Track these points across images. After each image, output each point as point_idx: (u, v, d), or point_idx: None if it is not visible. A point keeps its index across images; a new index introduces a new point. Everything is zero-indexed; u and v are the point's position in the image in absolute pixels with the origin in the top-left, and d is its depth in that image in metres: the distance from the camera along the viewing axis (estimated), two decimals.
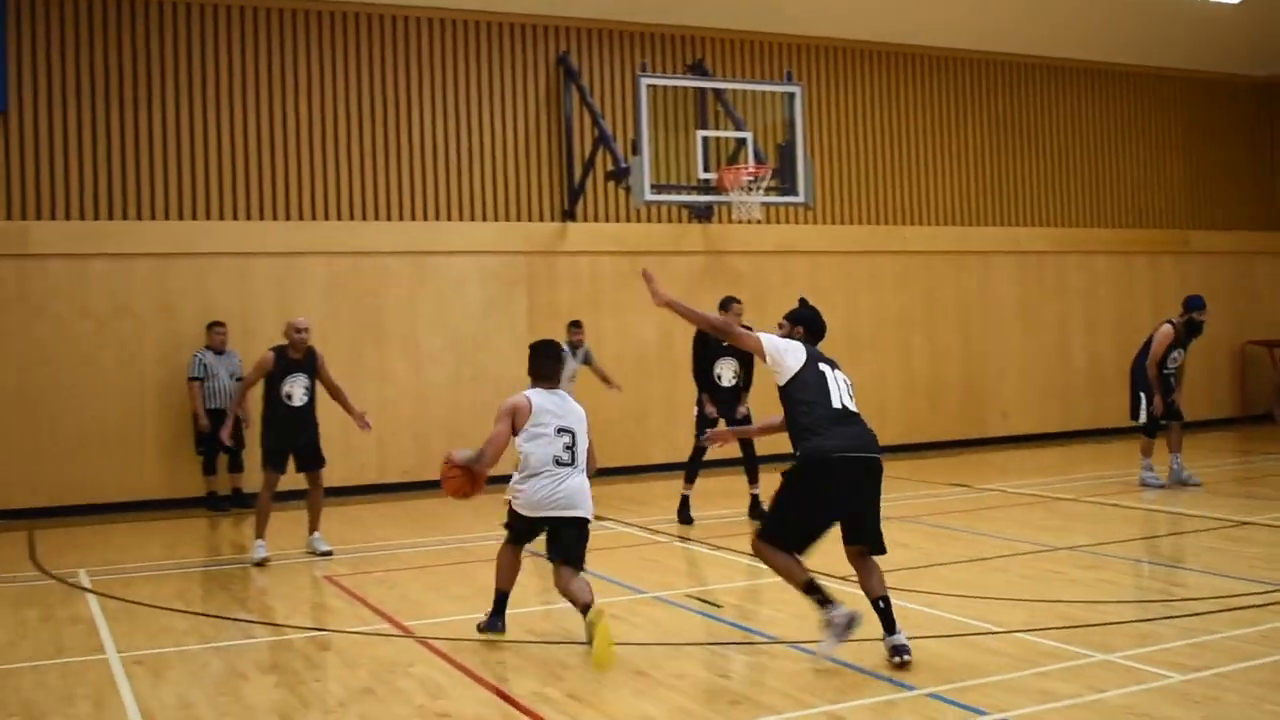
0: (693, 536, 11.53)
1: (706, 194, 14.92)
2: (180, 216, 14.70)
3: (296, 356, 10.92)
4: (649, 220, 16.70)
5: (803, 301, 7.70)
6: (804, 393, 6.97)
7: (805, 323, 7.44)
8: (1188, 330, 13.63)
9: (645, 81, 14.43)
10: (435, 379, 15.65)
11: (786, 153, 15.15)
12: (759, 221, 15.19)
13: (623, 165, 14.91)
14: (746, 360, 12.09)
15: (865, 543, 7.01)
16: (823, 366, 7.13)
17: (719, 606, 8.50)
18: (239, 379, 14.13)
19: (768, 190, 14.67)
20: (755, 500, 12.40)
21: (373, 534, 12.32)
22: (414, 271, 15.56)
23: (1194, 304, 13.65)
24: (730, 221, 17.04)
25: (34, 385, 14.05)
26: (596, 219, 16.58)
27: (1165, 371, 13.62)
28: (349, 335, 15.16)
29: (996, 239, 19.10)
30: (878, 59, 18.45)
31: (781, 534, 6.99)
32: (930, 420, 18.48)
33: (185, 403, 14.27)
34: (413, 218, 15.67)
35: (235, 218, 14.90)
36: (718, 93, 15.92)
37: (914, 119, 18.72)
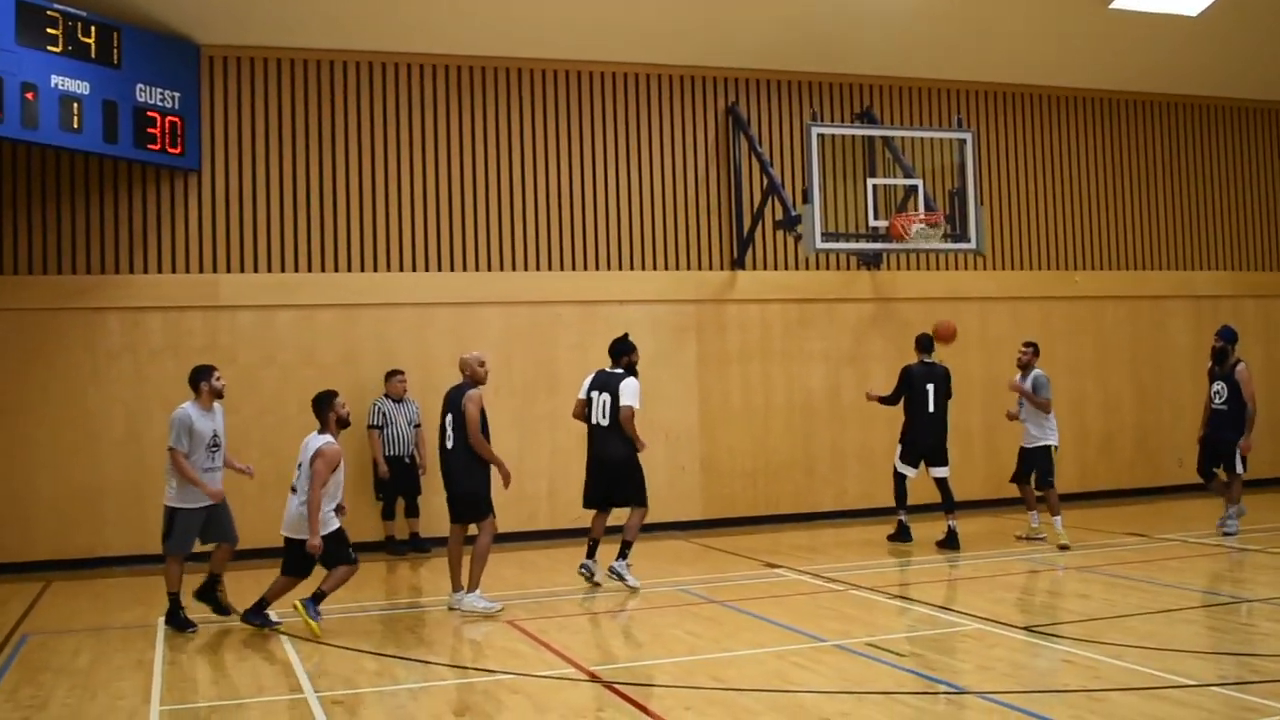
0: (864, 584, 11.47)
1: (877, 241, 14.89)
2: (362, 269, 15.17)
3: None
4: (817, 268, 16.74)
5: None
6: None
7: None
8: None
9: (815, 130, 14.50)
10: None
11: (957, 199, 15.06)
12: (930, 268, 15.12)
13: (792, 214, 14.96)
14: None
15: None
16: None
17: (901, 655, 8.46)
18: (417, 426, 14.50)
19: (939, 237, 14.59)
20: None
21: (548, 579, 12.50)
22: (586, 320, 15.80)
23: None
24: (899, 269, 17.03)
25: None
26: (765, 267, 16.66)
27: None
28: (523, 382, 15.43)
29: (1170, 283, 18.71)
30: (1045, 102, 18.26)
31: None
32: (1103, 468, 18.13)
33: (366, 449, 14.65)
34: (585, 268, 15.94)
35: (414, 269, 15.32)
36: (886, 140, 15.93)
37: (1084, 162, 18.47)
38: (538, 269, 15.77)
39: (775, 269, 16.72)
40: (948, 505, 13.81)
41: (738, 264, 16.44)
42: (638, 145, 16.28)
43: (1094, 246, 18.43)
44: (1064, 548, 13.03)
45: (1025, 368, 13.98)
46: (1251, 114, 19.60)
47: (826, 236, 14.51)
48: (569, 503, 15.50)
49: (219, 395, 10.68)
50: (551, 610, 10.70)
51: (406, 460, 14.56)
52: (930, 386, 13.91)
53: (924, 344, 14.04)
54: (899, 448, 14.11)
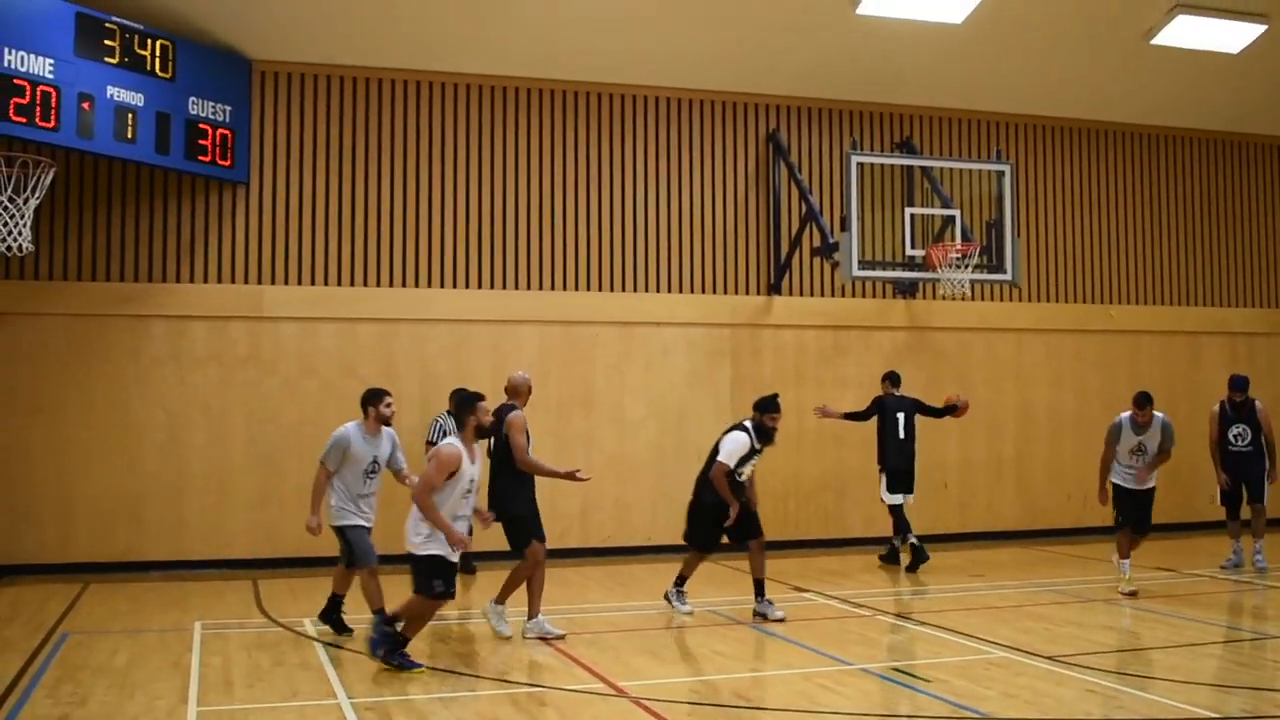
0: (891, 609, 11.52)
1: (913, 270, 14.97)
2: (404, 284, 15.34)
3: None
4: (853, 295, 16.81)
5: None
6: None
7: None
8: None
9: (855, 159, 14.62)
10: (638, 447, 15.95)
11: (994, 230, 15.15)
12: (965, 298, 15.18)
13: (830, 241, 15.06)
14: None
15: None
16: None
17: (926, 680, 8.50)
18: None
19: (975, 268, 14.68)
20: None
21: (579, 596, 12.60)
22: (622, 341, 15.94)
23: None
24: (935, 298, 17.07)
25: (263, 440, 14.76)
26: (801, 293, 16.76)
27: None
28: (558, 400, 15.56)
29: (1206, 319, 18.71)
30: (1085, 136, 18.31)
31: None
32: None
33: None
34: (623, 289, 16.09)
35: (454, 285, 15.48)
36: (925, 170, 16.02)
37: (1121, 197, 18.50)
38: (576, 289, 15.92)
39: (811, 295, 16.82)
40: (902, 529, 14.27)
41: (774, 289, 16.55)
42: (679, 169, 16.43)
43: (1130, 281, 18.45)
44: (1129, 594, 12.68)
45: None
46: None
47: (863, 265, 14.61)
48: (600, 522, 15.70)
49: (386, 421, 10.38)
50: (581, 626, 10.79)
51: None
52: (901, 415, 14.37)
53: (894, 379, 14.65)
54: (881, 480, 14.48)
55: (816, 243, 15.69)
